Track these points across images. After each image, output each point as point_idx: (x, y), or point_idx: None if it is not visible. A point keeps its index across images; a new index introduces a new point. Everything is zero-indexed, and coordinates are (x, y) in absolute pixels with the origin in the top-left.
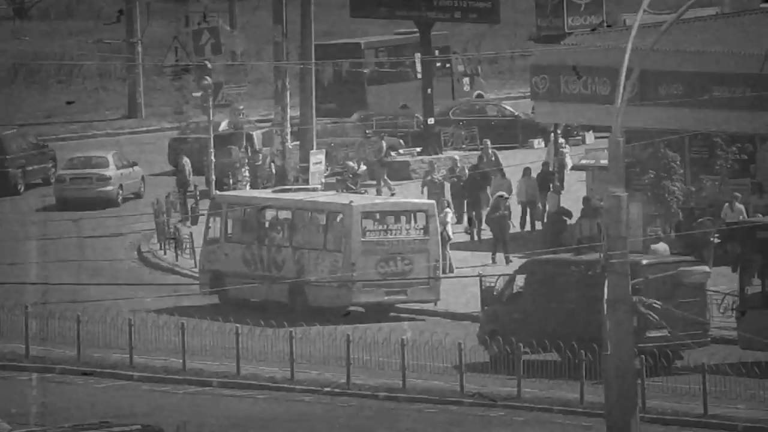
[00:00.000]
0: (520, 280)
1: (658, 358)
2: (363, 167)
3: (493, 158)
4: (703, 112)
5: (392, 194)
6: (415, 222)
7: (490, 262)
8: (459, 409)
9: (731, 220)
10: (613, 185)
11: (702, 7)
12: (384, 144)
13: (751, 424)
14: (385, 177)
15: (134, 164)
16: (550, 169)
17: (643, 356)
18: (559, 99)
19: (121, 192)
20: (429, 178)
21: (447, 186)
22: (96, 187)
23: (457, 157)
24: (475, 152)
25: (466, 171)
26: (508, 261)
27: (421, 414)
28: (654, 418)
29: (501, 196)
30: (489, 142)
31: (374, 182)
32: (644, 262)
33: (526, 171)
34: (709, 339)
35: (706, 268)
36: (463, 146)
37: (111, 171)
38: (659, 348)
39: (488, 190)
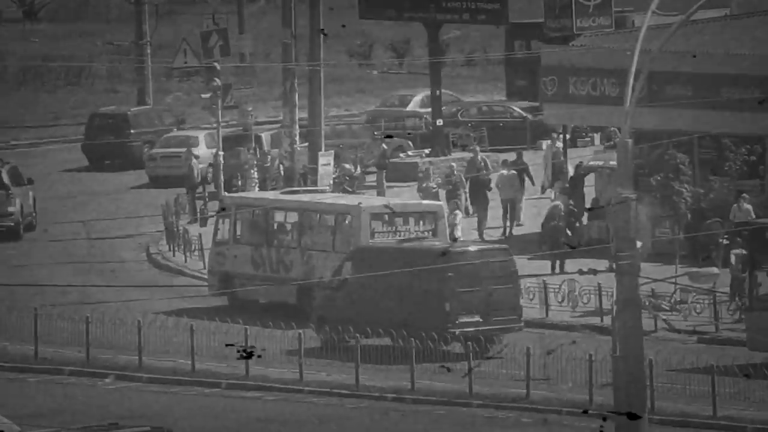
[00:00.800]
0: (347, 266)
1: (472, 343)
2: (358, 170)
3: (482, 163)
4: (712, 114)
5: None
6: (424, 223)
7: (550, 271)
8: (468, 410)
9: (740, 221)
10: (621, 187)
11: (711, 8)
12: (385, 147)
13: (761, 425)
14: (383, 181)
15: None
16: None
17: (462, 342)
18: (568, 100)
19: (210, 171)
20: (424, 185)
21: (442, 193)
22: (184, 166)
23: (454, 164)
24: (484, 153)
25: (463, 177)
26: (561, 269)
27: (429, 415)
28: (663, 419)
29: (556, 206)
30: (478, 148)
31: (375, 185)
32: (454, 249)
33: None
34: (522, 324)
35: (715, 270)
36: (472, 148)
37: (201, 150)
38: (472, 333)
39: (494, 182)
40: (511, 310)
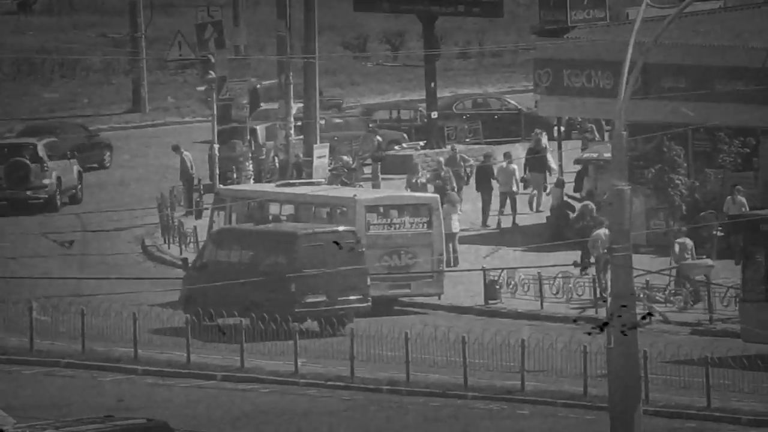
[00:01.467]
0: (210, 247)
1: (322, 323)
2: (356, 162)
3: (461, 162)
4: (706, 106)
5: None
6: (419, 216)
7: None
8: (463, 402)
9: (734, 213)
10: (616, 179)
11: (705, 0)
12: (377, 139)
13: (754, 416)
14: (378, 172)
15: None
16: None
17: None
18: (563, 93)
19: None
20: (414, 180)
21: (431, 188)
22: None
23: (442, 159)
24: (477, 145)
25: (451, 172)
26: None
27: (424, 407)
28: (657, 410)
29: (586, 205)
30: (458, 147)
31: (370, 177)
32: (300, 232)
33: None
34: (369, 304)
35: (710, 261)
36: (467, 140)
37: None
38: (318, 313)
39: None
40: (358, 290)
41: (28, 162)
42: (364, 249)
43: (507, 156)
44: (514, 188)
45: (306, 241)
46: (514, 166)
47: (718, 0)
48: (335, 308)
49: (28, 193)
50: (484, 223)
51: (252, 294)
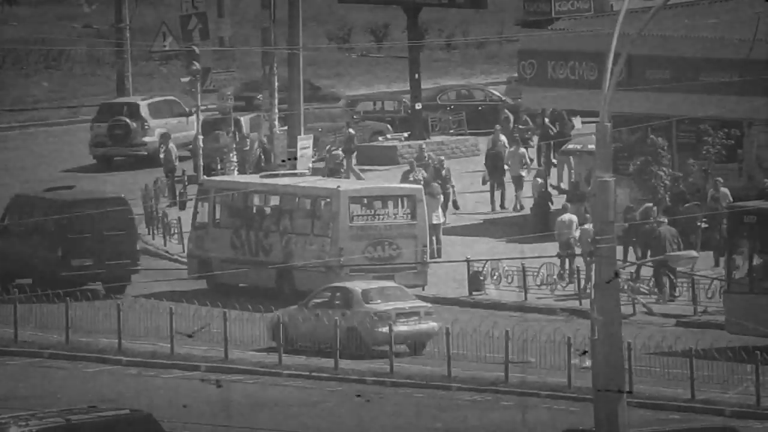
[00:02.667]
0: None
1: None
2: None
3: (436, 165)
4: (690, 97)
5: None
6: (403, 207)
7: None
8: (447, 393)
9: (717, 205)
10: (600, 170)
11: None
12: (352, 131)
13: (739, 408)
14: (353, 166)
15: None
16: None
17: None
18: (547, 84)
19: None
20: (410, 177)
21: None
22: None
23: (424, 145)
24: (462, 137)
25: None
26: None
27: (408, 399)
28: (642, 402)
29: (649, 207)
30: (424, 146)
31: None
32: (71, 198)
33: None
34: (139, 268)
35: (694, 253)
36: (451, 131)
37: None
38: (84, 277)
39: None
40: (127, 255)
41: (128, 121)
42: (134, 216)
43: (516, 141)
44: (523, 173)
45: (75, 208)
46: (523, 150)
47: None
48: (103, 272)
49: (129, 150)
50: (502, 206)
51: (33, 259)
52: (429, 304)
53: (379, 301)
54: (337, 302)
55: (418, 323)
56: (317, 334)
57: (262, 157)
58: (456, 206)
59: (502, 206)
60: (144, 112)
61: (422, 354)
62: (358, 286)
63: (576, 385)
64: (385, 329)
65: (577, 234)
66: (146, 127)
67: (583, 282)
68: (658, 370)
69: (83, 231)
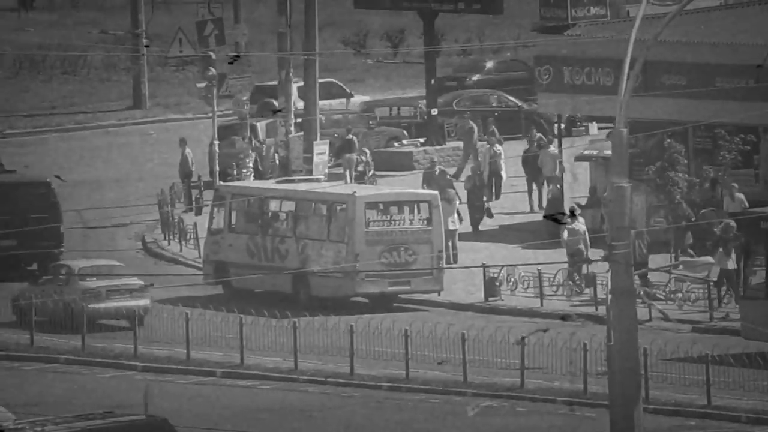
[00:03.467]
0: None
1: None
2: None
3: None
4: (706, 103)
5: None
6: (419, 212)
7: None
8: (462, 399)
9: (733, 211)
10: (617, 176)
11: None
12: (350, 137)
13: (755, 414)
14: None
15: None
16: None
17: None
18: (563, 90)
19: None
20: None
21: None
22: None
23: (436, 158)
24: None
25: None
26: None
27: (424, 404)
28: (658, 408)
29: (728, 224)
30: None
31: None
32: None
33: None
34: (63, 249)
35: (710, 259)
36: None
37: None
38: (6, 257)
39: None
40: (51, 238)
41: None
42: (58, 200)
43: (542, 144)
44: (557, 172)
45: None
46: (555, 150)
47: None
48: (27, 252)
49: None
50: (540, 206)
51: None
52: (143, 282)
53: (94, 278)
54: (60, 279)
55: (129, 300)
56: (45, 308)
57: (277, 162)
58: (489, 215)
59: (540, 206)
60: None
61: (141, 326)
62: (77, 263)
63: (592, 391)
64: (99, 305)
65: (565, 235)
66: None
67: (575, 286)
68: (674, 376)
69: (5, 213)
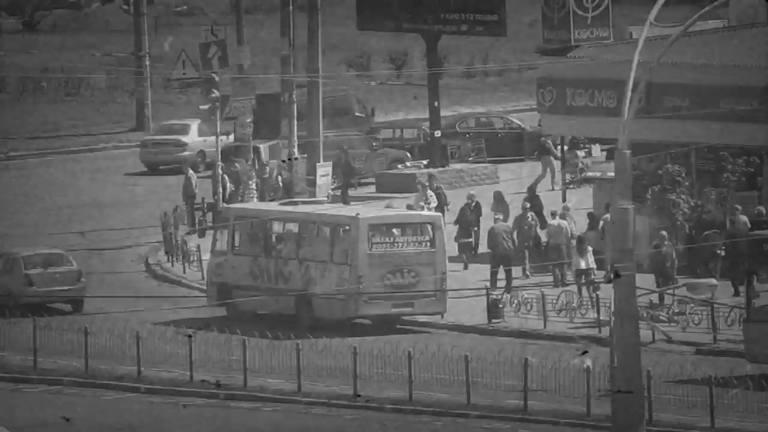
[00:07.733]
0: None
1: None
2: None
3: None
4: (709, 125)
5: None
6: (422, 234)
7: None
8: (466, 421)
9: (736, 233)
10: (619, 197)
11: (708, 20)
12: (345, 157)
13: None
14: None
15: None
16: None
17: None
18: (566, 112)
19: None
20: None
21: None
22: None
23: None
24: (481, 164)
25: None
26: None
27: (427, 426)
28: (661, 430)
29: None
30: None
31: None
32: None
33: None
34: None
35: (713, 281)
36: (470, 159)
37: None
38: None
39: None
40: None
41: None
42: None
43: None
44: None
45: None
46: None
47: (721, 19)
48: None
49: None
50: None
51: None
52: (79, 269)
53: (39, 267)
54: (6, 268)
55: (68, 285)
56: None
57: (281, 184)
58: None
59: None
60: None
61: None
62: (22, 252)
63: (595, 413)
64: (39, 290)
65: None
66: None
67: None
68: (678, 398)
69: None
